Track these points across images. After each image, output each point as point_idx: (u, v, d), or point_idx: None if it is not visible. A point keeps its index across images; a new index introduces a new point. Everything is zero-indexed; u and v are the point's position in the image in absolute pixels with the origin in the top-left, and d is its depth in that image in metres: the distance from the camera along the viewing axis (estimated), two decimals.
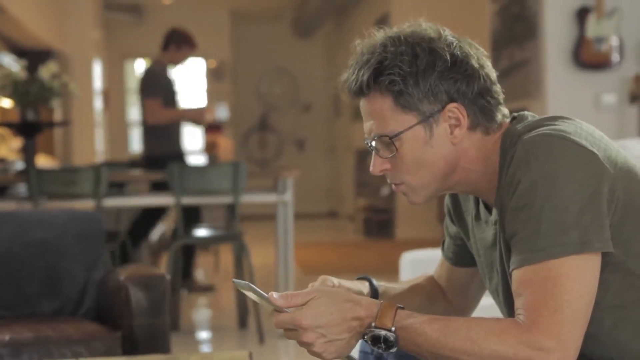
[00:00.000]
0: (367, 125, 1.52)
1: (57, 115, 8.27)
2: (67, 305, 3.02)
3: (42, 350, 2.61)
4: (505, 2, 6.84)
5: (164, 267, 6.18)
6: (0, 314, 2.95)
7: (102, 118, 10.72)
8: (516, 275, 1.39)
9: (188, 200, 4.90)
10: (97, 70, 10.30)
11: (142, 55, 12.74)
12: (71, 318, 2.96)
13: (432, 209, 8.19)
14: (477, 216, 1.61)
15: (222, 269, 7.37)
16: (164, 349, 2.74)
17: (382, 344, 1.40)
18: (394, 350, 1.40)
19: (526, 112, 1.55)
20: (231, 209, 5.06)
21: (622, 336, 1.44)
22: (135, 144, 12.40)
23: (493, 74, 1.52)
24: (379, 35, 1.52)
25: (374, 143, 1.52)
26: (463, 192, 1.60)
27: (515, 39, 6.59)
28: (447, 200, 1.74)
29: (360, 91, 1.51)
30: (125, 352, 2.68)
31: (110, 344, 2.67)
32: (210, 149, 11.42)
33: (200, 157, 11.98)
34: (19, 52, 8.46)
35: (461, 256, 1.75)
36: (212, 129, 11.85)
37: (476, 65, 1.49)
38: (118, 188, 5.09)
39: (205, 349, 4.90)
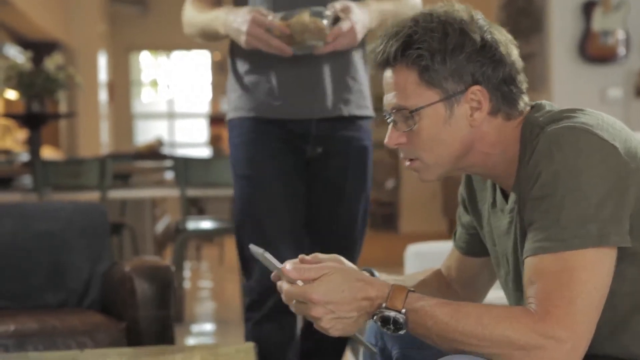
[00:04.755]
0: (388, 97, 1.53)
1: (62, 107, 8.28)
2: (72, 297, 3.02)
3: (46, 341, 2.61)
4: None
5: (168, 258, 6.19)
6: (5, 306, 2.95)
7: (107, 110, 10.73)
8: (531, 263, 1.39)
9: (192, 193, 4.90)
10: (102, 62, 10.31)
11: (147, 47, 12.75)
12: (76, 309, 2.96)
13: (437, 203, 8.19)
14: (494, 204, 1.61)
15: (227, 261, 7.37)
16: (169, 340, 2.73)
17: (392, 325, 1.40)
18: (402, 332, 1.41)
19: (544, 102, 1.56)
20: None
21: (635, 324, 1.44)
22: (140, 135, 12.41)
23: (519, 63, 1.53)
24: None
25: (392, 115, 1.53)
26: (479, 174, 1.60)
27: (521, 33, 6.57)
28: (461, 190, 1.75)
29: (387, 62, 1.52)
30: (130, 343, 2.68)
31: (115, 335, 2.67)
32: (214, 141, 11.43)
33: (204, 149, 11.99)
34: (25, 43, 8.47)
35: (472, 245, 1.75)
36: (217, 121, 11.85)
37: (504, 52, 1.50)
38: (123, 180, 5.09)
39: (209, 341, 4.91)
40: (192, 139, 12.75)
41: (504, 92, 1.50)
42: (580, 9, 5.84)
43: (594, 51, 5.83)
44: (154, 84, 13.36)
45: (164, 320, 2.72)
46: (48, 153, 7.21)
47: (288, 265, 1.44)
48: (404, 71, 1.50)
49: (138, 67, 13.13)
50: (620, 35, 5.73)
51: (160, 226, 6.61)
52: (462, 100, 1.48)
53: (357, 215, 2.55)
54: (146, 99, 13.30)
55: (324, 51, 2.31)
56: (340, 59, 2.43)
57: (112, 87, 11.20)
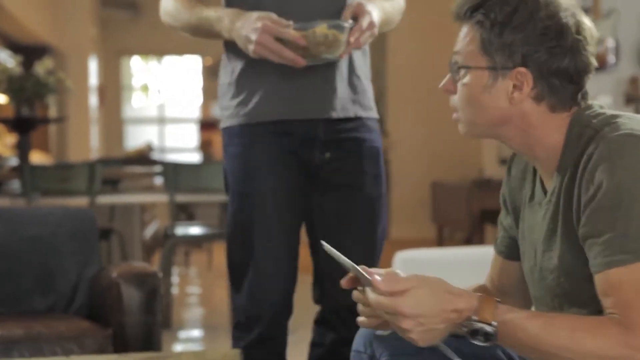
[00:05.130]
0: (455, 47, 1.58)
1: (52, 112, 8.26)
2: (60, 302, 3.01)
3: (32, 347, 2.60)
4: None
5: (157, 264, 6.18)
6: None
7: (97, 115, 10.71)
8: (604, 277, 1.40)
9: (182, 198, 4.89)
10: (93, 67, 10.29)
11: (138, 52, 12.74)
12: (63, 315, 2.95)
13: (426, 209, 8.19)
14: (532, 197, 1.63)
15: (215, 267, 7.36)
16: (156, 346, 2.73)
17: (481, 337, 1.42)
18: (491, 343, 1.42)
19: (594, 102, 1.56)
20: (225, 207, 5.05)
21: None
22: (131, 140, 12.40)
23: (585, 63, 1.51)
24: None
25: (450, 63, 1.58)
26: (516, 150, 1.61)
27: None
28: (502, 190, 1.77)
29: (458, 16, 1.57)
30: (117, 350, 2.67)
31: (101, 342, 2.66)
32: (205, 146, 11.43)
33: (195, 154, 11.98)
34: (15, 47, 8.45)
35: (514, 248, 1.74)
36: (207, 126, 11.85)
37: (568, 46, 1.49)
38: (112, 185, 5.07)
39: (197, 347, 4.89)
40: (183, 144, 12.74)
41: (552, 84, 1.50)
42: None
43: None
44: (145, 88, 13.35)
45: (150, 326, 2.71)
46: (37, 158, 7.19)
47: (377, 276, 1.45)
48: (470, 29, 1.54)
49: (129, 72, 13.12)
50: (610, 43, 5.74)
51: (149, 231, 6.60)
52: (507, 76, 1.51)
53: (379, 219, 2.39)
54: (137, 103, 13.29)
55: (347, 53, 2.22)
56: (345, 57, 2.31)
57: (102, 91, 11.19)
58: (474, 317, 1.42)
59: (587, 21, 1.54)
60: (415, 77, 9.09)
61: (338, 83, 2.31)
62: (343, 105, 2.32)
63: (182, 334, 5.08)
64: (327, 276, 2.37)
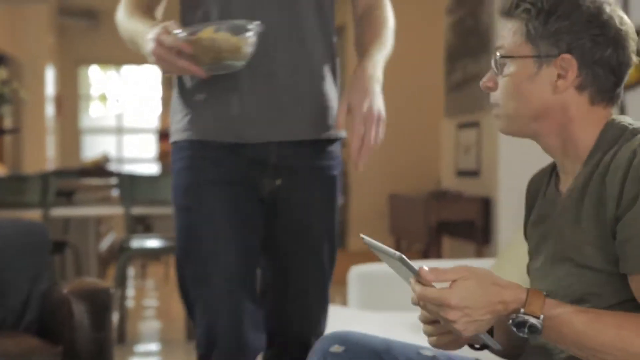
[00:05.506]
0: (497, 43, 1.60)
1: (7, 122, 8.16)
2: (9, 318, 2.96)
3: None
4: (460, 16, 6.89)
5: (112, 277, 6.11)
6: None
7: (54, 124, 10.60)
8: None
9: (138, 211, 4.85)
10: (50, 76, 10.19)
11: (96, 61, 12.63)
12: (11, 332, 2.90)
13: (384, 221, 8.20)
14: (544, 195, 1.66)
15: (173, 279, 7.29)
16: None
17: (527, 329, 1.43)
18: (536, 336, 1.43)
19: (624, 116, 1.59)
20: None
21: None
22: (88, 150, 12.28)
23: (629, 56, 1.55)
24: None
25: (493, 58, 1.59)
26: (550, 147, 1.61)
27: (469, 52, 6.63)
28: (525, 211, 1.77)
29: (505, 11, 1.59)
30: None
31: (51, 359, 2.62)
32: (163, 157, 11.34)
33: (153, 165, 11.90)
34: None
35: None
36: (166, 137, 11.77)
37: (611, 36, 1.53)
38: (67, 197, 5.01)
39: None
40: (141, 155, 12.65)
41: (596, 73, 1.53)
42: None
43: None
44: (103, 98, 13.24)
45: (102, 342, 2.68)
46: None
47: (425, 267, 1.45)
48: (515, 22, 1.56)
49: (87, 81, 13.00)
50: None
51: (106, 243, 6.53)
52: (551, 64, 1.53)
53: (323, 256, 2.20)
54: (95, 113, 13.17)
55: (356, 161, 1.98)
56: (308, 69, 2.13)
57: (60, 101, 11.07)
58: (522, 310, 1.43)
59: (627, 17, 1.56)
60: None
61: (297, 102, 2.12)
62: (300, 125, 2.13)
63: (139, 348, 5.03)
64: (285, 312, 2.22)
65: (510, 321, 1.45)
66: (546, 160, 1.73)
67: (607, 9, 1.53)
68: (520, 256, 2.58)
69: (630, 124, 1.54)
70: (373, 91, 2.04)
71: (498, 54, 1.58)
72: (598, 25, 1.52)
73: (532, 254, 1.69)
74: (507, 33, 1.58)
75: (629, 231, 1.42)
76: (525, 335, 1.44)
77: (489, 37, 6.21)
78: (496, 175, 6.08)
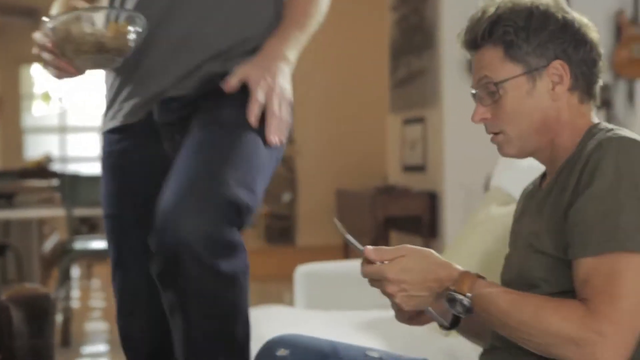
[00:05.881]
0: (476, 76, 1.64)
1: None
2: None
3: None
4: (405, 12, 6.90)
5: (55, 279, 6.03)
6: None
7: None
8: (585, 263, 1.44)
9: (81, 212, 4.77)
10: None
11: (38, 59, 12.43)
12: None
13: (332, 216, 8.22)
14: (531, 193, 1.71)
15: None
16: None
17: (459, 308, 1.50)
18: (470, 314, 1.50)
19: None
20: None
21: None
22: (31, 150, 12.09)
23: (600, 51, 1.62)
24: None
25: (478, 91, 1.63)
26: (545, 157, 1.65)
27: (413, 49, 6.65)
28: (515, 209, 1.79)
29: (475, 42, 1.63)
30: None
31: None
32: None
33: (96, 165, 11.75)
34: None
35: None
36: None
37: (585, 33, 1.60)
38: (7, 199, 4.91)
39: None
40: (86, 153, 12.48)
41: (583, 71, 1.60)
42: None
43: None
44: (46, 97, 13.04)
45: (43, 349, 2.61)
46: None
47: (369, 247, 1.55)
48: (491, 49, 1.61)
49: (29, 80, 12.79)
50: None
51: (49, 244, 6.42)
52: (544, 74, 1.59)
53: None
54: (37, 112, 12.97)
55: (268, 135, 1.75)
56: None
57: (0, 100, 10.87)
58: (452, 287, 1.50)
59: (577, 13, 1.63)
60: (321, 83, 9.10)
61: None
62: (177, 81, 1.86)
63: (86, 350, 4.96)
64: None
65: (444, 299, 1.52)
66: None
67: (568, 10, 1.61)
68: (467, 251, 2.59)
69: (611, 128, 1.57)
70: (277, 69, 1.81)
71: (489, 84, 1.60)
72: (571, 27, 1.59)
73: (510, 247, 1.73)
74: (485, 62, 1.61)
75: (577, 217, 1.46)
76: (459, 314, 1.51)
77: (433, 33, 6.23)
78: (442, 170, 6.12)
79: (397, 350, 2.10)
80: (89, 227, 7.38)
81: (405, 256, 1.54)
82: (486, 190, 3.15)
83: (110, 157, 1.99)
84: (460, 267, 1.54)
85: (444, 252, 3.13)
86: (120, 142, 1.97)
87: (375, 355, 1.69)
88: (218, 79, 1.83)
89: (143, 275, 1.82)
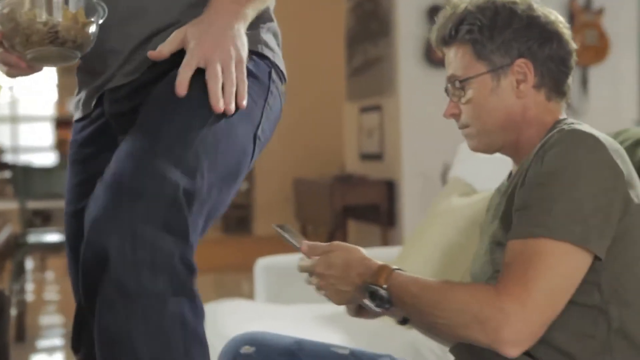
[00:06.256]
0: (447, 73, 1.66)
1: None
2: None
3: None
4: (359, 0, 6.88)
5: (8, 273, 5.93)
6: None
7: None
8: (512, 245, 1.45)
9: (35, 205, 4.69)
10: None
11: None
12: None
13: (290, 206, 8.18)
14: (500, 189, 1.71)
15: None
16: None
17: (378, 300, 1.52)
18: (389, 307, 1.52)
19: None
20: None
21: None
22: None
23: (571, 47, 1.63)
24: None
25: (449, 88, 1.65)
26: (514, 155, 1.66)
27: (369, 36, 6.64)
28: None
29: (444, 40, 1.65)
30: None
31: None
32: (61, 145, 11.04)
33: (50, 154, 11.59)
34: None
35: None
36: (63, 124, 11.47)
37: (552, 30, 1.61)
38: None
39: (59, 357, 4.71)
40: (38, 143, 12.31)
41: (549, 69, 1.61)
42: (426, 14, 5.93)
43: (439, 56, 5.95)
44: None
45: None
46: None
47: (305, 243, 1.62)
48: (459, 47, 1.63)
49: None
50: None
51: (1, 238, 6.32)
52: (508, 72, 1.60)
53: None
54: None
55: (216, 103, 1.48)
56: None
57: None
58: (368, 280, 1.53)
59: (548, 9, 1.64)
60: None
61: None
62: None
63: (42, 344, 4.89)
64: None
65: (365, 293, 1.54)
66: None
67: (536, 7, 1.62)
68: (429, 243, 2.58)
69: (572, 122, 1.58)
70: (233, 33, 1.53)
71: (456, 82, 1.63)
72: (536, 24, 1.60)
73: (479, 242, 1.73)
74: (453, 60, 1.64)
75: (518, 201, 1.48)
76: (379, 307, 1.52)
77: (389, 20, 6.22)
78: (399, 159, 6.12)
79: (361, 345, 2.10)
80: (42, 219, 7.28)
81: (332, 252, 1.59)
82: (443, 178, 3.15)
83: (72, 147, 1.89)
84: (379, 262, 1.56)
85: (404, 244, 3.12)
86: (81, 132, 1.87)
87: (342, 351, 1.69)
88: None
89: None
